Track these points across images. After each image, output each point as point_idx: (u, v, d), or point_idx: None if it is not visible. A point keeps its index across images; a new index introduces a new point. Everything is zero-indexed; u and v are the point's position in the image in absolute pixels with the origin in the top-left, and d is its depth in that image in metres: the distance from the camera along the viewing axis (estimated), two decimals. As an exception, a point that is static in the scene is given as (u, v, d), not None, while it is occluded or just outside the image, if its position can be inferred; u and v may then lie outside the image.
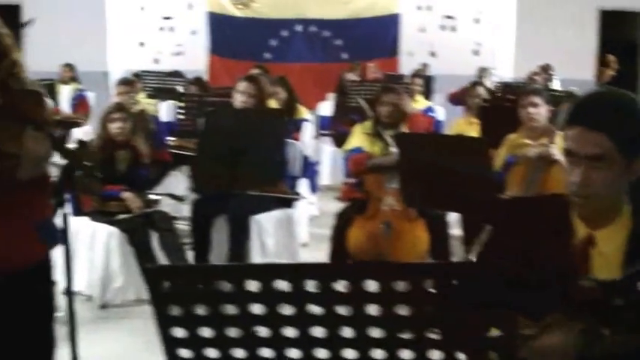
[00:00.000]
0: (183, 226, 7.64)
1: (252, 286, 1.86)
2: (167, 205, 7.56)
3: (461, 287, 1.87)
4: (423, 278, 1.85)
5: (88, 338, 4.20)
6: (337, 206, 10.12)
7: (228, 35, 17.92)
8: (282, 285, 1.86)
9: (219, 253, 7.11)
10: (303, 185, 8.20)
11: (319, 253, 8.02)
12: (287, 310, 1.87)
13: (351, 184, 7.30)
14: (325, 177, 11.49)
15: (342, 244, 6.68)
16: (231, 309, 1.89)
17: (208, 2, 17.91)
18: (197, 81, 10.90)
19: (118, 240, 6.73)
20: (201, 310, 1.91)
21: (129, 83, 9.18)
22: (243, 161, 5.43)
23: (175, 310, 1.94)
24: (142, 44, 17.46)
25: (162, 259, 6.74)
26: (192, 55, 17.59)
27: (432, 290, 1.85)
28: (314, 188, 8.67)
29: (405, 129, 7.02)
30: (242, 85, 7.15)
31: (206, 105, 8.60)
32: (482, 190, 5.45)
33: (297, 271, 1.86)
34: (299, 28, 18.06)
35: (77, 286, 6.13)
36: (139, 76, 12.14)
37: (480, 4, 17.55)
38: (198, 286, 1.93)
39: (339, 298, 1.86)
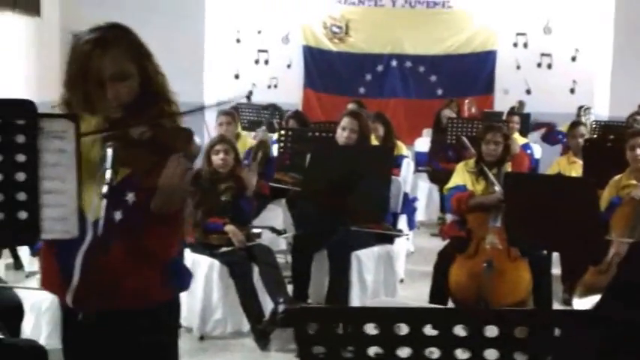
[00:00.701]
0: (280, 259, 7.67)
1: (401, 329, 1.86)
2: (264, 239, 7.60)
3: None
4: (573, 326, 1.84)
5: (187, 370, 4.24)
6: (432, 242, 10.14)
7: (323, 69, 18.00)
8: (430, 329, 1.85)
9: (318, 288, 7.15)
10: (401, 221, 8.16)
11: (416, 290, 8.01)
12: (435, 354, 1.86)
13: (453, 222, 7.26)
14: (420, 213, 11.44)
15: (443, 282, 6.63)
16: (377, 351, 1.88)
17: (304, 36, 18.01)
18: (296, 115, 10.92)
19: (218, 272, 6.77)
20: (346, 352, 1.90)
21: (231, 114, 9.24)
22: (349, 197, 5.42)
23: (320, 351, 1.92)
24: (236, 76, 17.64)
25: (262, 292, 6.75)
26: (286, 88, 17.69)
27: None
28: (412, 225, 8.61)
29: (508, 168, 6.99)
30: (345, 121, 7.19)
31: (306, 140, 8.60)
32: (588, 231, 5.39)
33: (446, 316, 1.85)
34: (394, 63, 18.05)
35: (177, 317, 6.19)
36: (236, 108, 12.25)
37: (577, 42, 17.38)
38: (343, 328, 1.91)
39: (489, 343, 1.85)
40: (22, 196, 2.46)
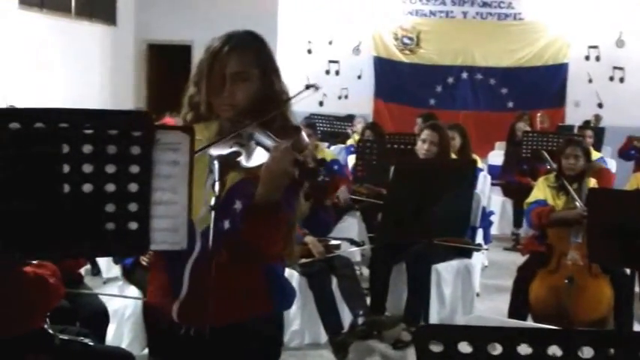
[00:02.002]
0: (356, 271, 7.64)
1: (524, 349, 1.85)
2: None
3: None
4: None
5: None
6: (505, 256, 10.07)
7: (394, 80, 18.05)
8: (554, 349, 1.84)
9: (395, 300, 7.16)
10: (477, 235, 8.10)
11: (492, 304, 7.98)
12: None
13: (532, 237, 7.20)
14: (493, 227, 11.39)
15: (523, 297, 6.60)
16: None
17: (375, 47, 18.09)
18: (372, 126, 10.89)
19: (297, 283, 6.66)
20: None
21: (312, 126, 9.22)
22: (432, 211, 5.39)
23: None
24: (307, 87, 17.70)
25: (340, 303, 6.73)
26: (356, 98, 17.78)
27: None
28: (487, 238, 8.54)
29: (590, 183, 6.90)
30: (426, 134, 7.22)
31: (384, 151, 8.61)
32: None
33: (570, 338, 1.86)
34: (465, 75, 18.04)
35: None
36: (312, 119, 12.28)
37: (651, 54, 17.24)
38: (467, 346, 1.91)
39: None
40: (133, 207, 2.46)
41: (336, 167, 8.67)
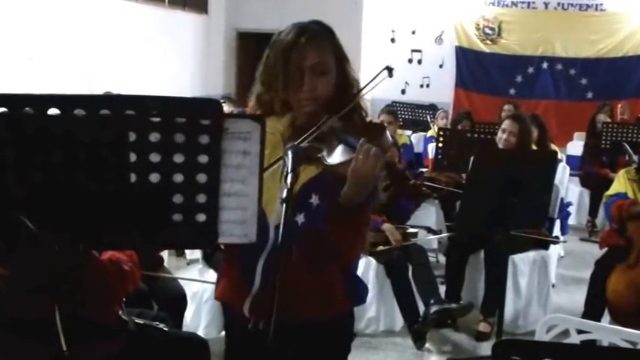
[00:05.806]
0: (431, 258, 7.69)
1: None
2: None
3: None
4: None
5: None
6: (582, 247, 10.04)
7: (475, 70, 18.16)
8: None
9: (471, 290, 7.20)
10: (555, 226, 8.07)
11: (568, 296, 8.00)
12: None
13: (611, 230, 7.02)
14: (570, 217, 11.39)
15: (600, 291, 6.48)
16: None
17: (457, 37, 18.17)
18: (467, 115, 10.91)
19: (374, 271, 6.74)
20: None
21: (392, 113, 9.30)
22: (511, 203, 5.43)
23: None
24: (390, 75, 17.82)
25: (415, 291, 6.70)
26: (438, 87, 17.89)
27: None
28: (564, 229, 8.51)
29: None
30: (506, 124, 7.24)
31: (463, 140, 8.61)
32: None
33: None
34: (545, 65, 18.04)
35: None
36: (394, 106, 12.38)
37: None
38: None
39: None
40: (202, 198, 2.38)
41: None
